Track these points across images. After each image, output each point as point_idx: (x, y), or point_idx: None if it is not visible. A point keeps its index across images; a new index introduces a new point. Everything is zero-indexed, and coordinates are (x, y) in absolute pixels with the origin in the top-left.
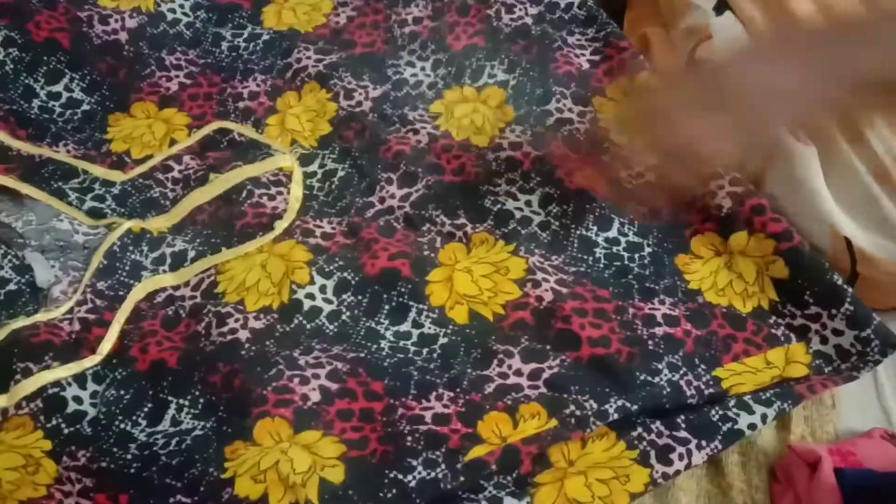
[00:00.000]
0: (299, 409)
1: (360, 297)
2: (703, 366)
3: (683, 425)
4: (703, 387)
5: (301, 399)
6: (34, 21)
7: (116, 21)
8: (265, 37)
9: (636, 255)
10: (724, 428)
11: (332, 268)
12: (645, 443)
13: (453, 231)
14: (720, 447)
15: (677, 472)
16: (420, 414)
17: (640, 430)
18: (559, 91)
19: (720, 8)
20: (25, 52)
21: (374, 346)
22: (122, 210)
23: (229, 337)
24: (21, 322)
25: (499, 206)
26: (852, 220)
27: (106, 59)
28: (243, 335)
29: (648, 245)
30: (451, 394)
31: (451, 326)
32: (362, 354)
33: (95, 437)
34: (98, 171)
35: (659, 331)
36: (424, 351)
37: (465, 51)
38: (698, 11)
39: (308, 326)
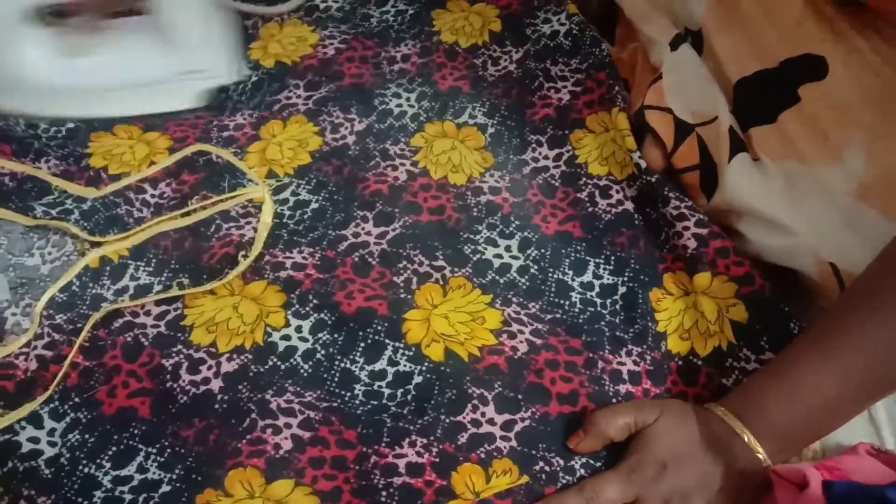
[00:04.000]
0: (271, 458)
1: (335, 336)
2: None
3: None
4: None
5: (273, 448)
6: None
7: None
8: (254, 78)
9: (608, 301)
10: None
11: (307, 309)
12: None
13: (430, 272)
14: None
15: None
16: (393, 462)
17: None
18: (535, 139)
19: (676, 43)
20: None
21: (348, 393)
22: (86, 224)
23: (202, 388)
24: None
25: (478, 255)
26: (835, 243)
27: None
28: (216, 385)
29: (623, 284)
30: (425, 440)
31: (426, 364)
32: (335, 404)
33: (58, 483)
34: (73, 188)
35: (623, 388)
36: (399, 392)
37: (450, 91)
38: (657, 46)
39: (282, 367)
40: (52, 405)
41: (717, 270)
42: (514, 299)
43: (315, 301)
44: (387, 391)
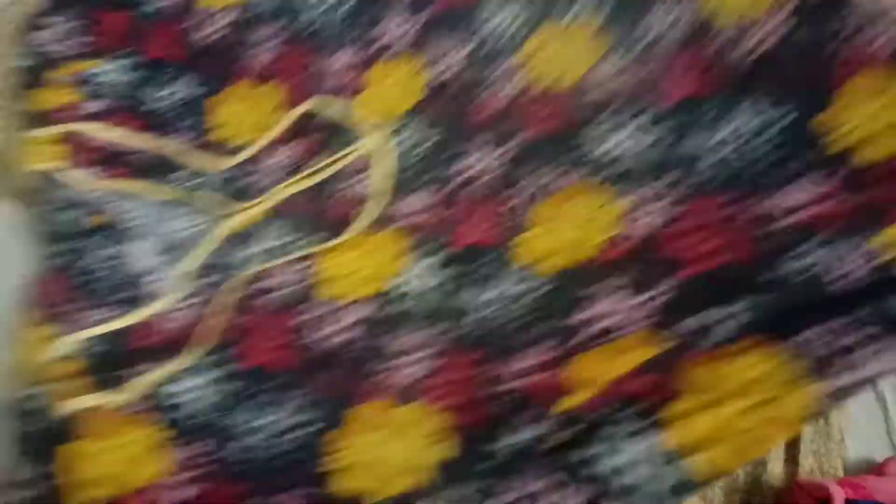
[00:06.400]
0: (396, 391)
1: (453, 270)
2: (851, 244)
3: (866, 318)
4: (854, 268)
5: (397, 382)
6: (147, 42)
7: (210, 25)
8: (351, 3)
9: (761, 142)
10: None
11: (426, 248)
12: (819, 346)
13: (547, 184)
14: None
15: (864, 381)
16: (513, 370)
17: (807, 333)
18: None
19: None
20: (141, 69)
21: (465, 318)
22: (218, 194)
23: (333, 339)
24: (131, 319)
25: (591, 151)
26: None
27: (207, 58)
28: (344, 335)
29: (782, 118)
30: (547, 345)
31: (541, 279)
32: (454, 333)
33: (200, 432)
34: (203, 161)
35: (785, 221)
36: (514, 308)
37: None
38: None
39: (404, 307)
40: (195, 361)
41: None
42: (634, 183)
43: (433, 242)
44: (502, 312)
